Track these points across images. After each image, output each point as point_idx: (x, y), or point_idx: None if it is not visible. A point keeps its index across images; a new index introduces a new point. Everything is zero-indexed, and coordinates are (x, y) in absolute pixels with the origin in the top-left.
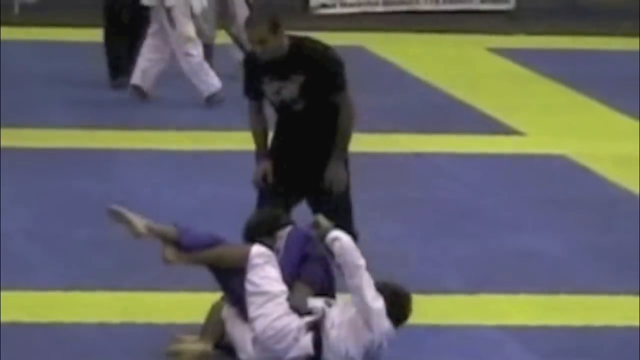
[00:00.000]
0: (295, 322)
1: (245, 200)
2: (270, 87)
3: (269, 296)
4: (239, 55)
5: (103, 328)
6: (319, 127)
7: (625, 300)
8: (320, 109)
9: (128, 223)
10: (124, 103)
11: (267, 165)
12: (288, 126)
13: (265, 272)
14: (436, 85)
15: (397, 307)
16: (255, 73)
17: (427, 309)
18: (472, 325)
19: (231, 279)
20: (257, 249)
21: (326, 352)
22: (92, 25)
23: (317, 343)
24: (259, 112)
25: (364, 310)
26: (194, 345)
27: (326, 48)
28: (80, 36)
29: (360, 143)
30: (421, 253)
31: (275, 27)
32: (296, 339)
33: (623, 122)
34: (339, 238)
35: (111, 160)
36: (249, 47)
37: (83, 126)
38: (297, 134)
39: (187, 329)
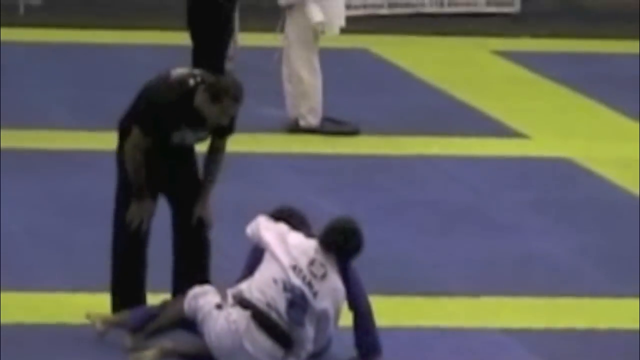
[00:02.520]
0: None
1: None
2: (180, 135)
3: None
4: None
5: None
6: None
7: (629, 304)
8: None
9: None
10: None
11: (151, 205)
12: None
13: (199, 303)
14: (440, 88)
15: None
16: (173, 118)
17: (430, 312)
18: (475, 328)
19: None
20: (187, 303)
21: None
22: (97, 27)
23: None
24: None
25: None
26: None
27: None
28: (86, 38)
29: (364, 145)
30: (425, 256)
31: None
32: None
33: (627, 125)
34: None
35: (115, 161)
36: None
37: (86, 128)
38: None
39: None
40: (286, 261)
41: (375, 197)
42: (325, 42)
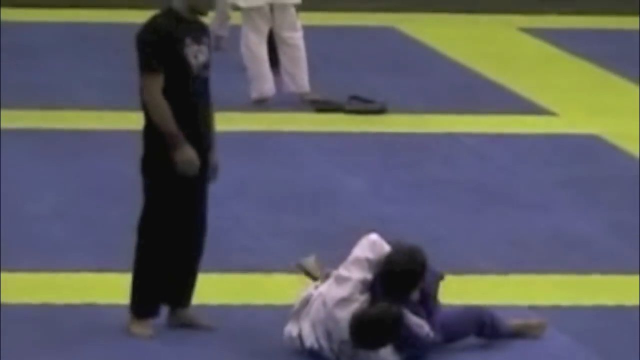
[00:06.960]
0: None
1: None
2: (191, 50)
3: None
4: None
5: None
6: (208, 102)
7: None
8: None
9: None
10: None
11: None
12: (192, 102)
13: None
14: (467, 65)
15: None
16: (174, 37)
17: (458, 290)
18: (503, 306)
19: None
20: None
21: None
22: (121, 6)
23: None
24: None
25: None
26: None
27: None
28: (115, 18)
29: (392, 123)
30: (453, 233)
31: None
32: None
33: None
34: None
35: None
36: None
37: (113, 107)
38: (199, 110)
39: (216, 310)
40: (326, 322)
41: (403, 176)
42: (352, 21)
